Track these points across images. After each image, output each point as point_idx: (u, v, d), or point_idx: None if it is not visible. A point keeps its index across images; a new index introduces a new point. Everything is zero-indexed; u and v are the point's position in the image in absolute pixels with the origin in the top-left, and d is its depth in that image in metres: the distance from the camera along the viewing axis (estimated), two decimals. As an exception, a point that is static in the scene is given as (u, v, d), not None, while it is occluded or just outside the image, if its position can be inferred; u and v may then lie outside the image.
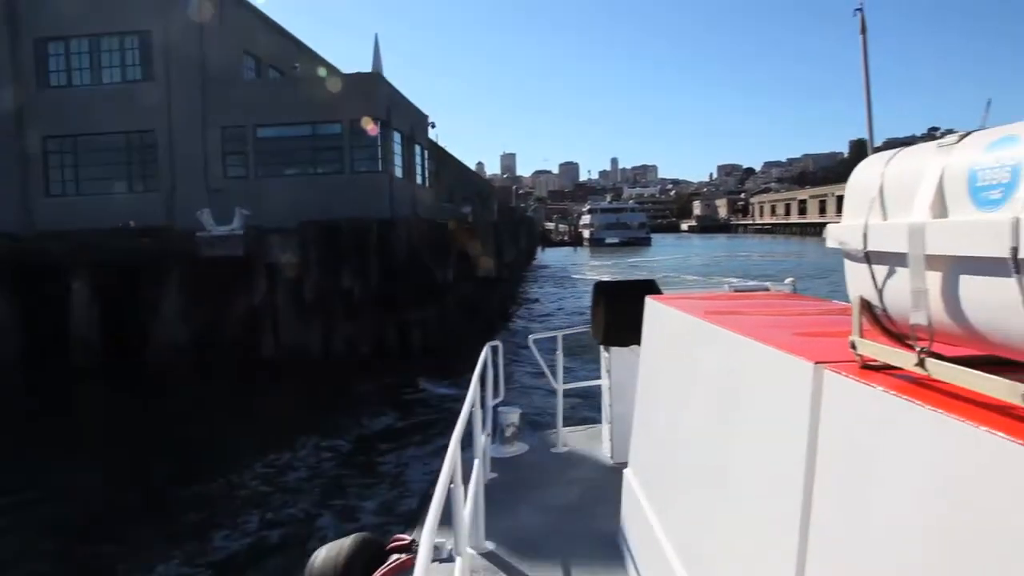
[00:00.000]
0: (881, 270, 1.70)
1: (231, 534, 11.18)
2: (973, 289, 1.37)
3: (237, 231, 22.41)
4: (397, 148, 29.25)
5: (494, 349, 6.55)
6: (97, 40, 28.02)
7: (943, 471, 1.33)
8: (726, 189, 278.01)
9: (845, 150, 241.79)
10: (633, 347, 5.03)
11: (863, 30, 2.70)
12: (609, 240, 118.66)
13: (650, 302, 4.20)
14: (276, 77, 32.96)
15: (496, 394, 6.72)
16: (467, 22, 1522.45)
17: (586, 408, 11.70)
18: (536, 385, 15.77)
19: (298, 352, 21.75)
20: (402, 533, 5.05)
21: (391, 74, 28.90)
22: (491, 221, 38.68)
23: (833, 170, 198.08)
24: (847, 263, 1.86)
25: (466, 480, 4.11)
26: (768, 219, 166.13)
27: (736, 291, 4.66)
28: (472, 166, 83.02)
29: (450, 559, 3.78)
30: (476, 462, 4.77)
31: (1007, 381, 1.26)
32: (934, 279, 1.47)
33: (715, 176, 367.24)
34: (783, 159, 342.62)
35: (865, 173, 1.82)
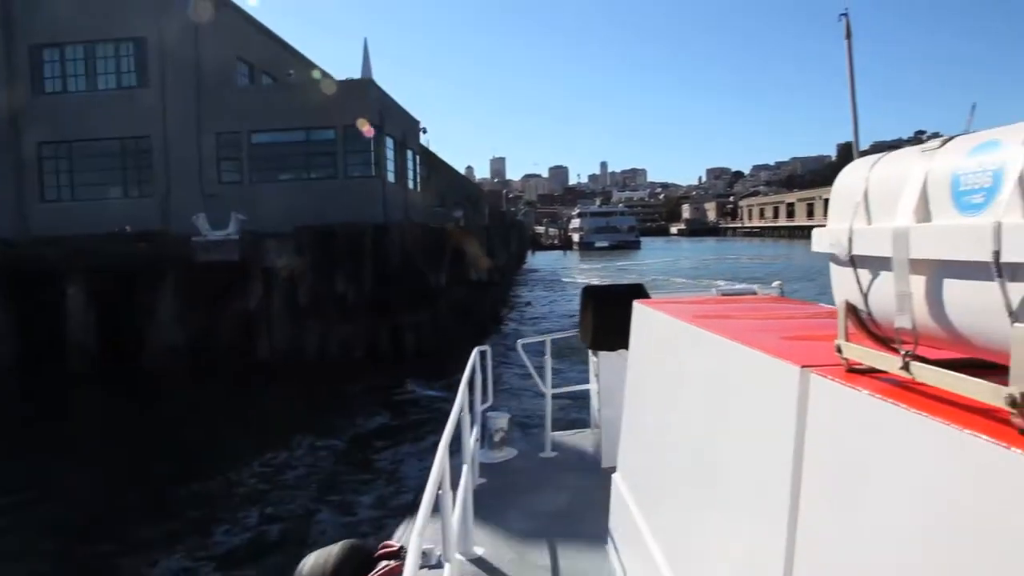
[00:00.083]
0: (866, 274, 1.71)
1: (231, 529, 11.44)
2: (957, 293, 1.39)
3: (233, 236, 22.58)
4: (390, 153, 29.56)
5: (482, 354, 6.53)
6: (92, 46, 28.18)
7: (928, 474, 1.34)
8: (715, 192, 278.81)
9: (833, 153, 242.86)
10: (621, 351, 5.04)
11: (848, 35, 2.72)
12: (599, 244, 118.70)
13: (638, 306, 4.19)
14: (269, 83, 33.16)
15: (485, 399, 6.72)
16: (456, 26, 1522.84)
17: (575, 410, 12.00)
18: (525, 387, 15.88)
19: (293, 355, 21.96)
20: (390, 539, 5.06)
21: (380, 77, 29.11)
22: (482, 225, 38.94)
23: (821, 173, 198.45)
24: (832, 267, 1.87)
25: (455, 485, 4.14)
26: (757, 222, 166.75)
27: (724, 295, 4.72)
28: (462, 170, 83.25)
29: (439, 565, 3.82)
30: (465, 467, 4.78)
31: (991, 384, 1.27)
32: (918, 283, 1.49)
33: (704, 179, 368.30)
34: (771, 162, 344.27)
35: (850, 177, 1.84)
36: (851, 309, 1.78)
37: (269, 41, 34.46)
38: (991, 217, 1.23)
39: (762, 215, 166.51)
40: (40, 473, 13.61)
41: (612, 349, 6.35)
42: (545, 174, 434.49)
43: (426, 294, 24.14)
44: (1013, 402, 1.20)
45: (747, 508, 2.19)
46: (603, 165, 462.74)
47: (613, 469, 4.46)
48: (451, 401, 4.55)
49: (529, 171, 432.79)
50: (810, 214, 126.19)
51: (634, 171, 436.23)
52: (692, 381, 3.00)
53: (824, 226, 1.90)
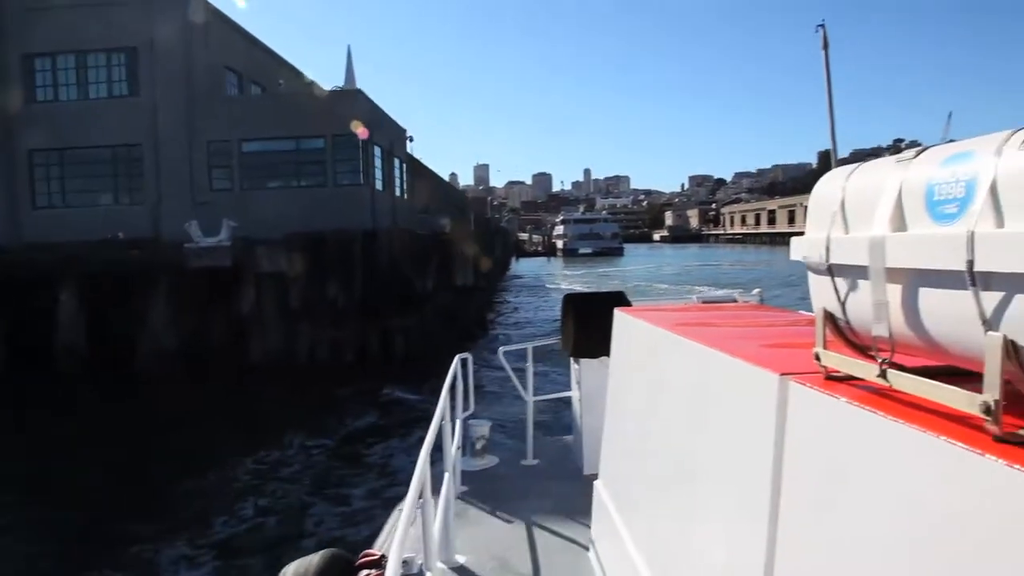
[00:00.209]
0: (843, 283, 1.72)
1: (228, 520, 11.90)
2: (932, 301, 1.40)
3: (224, 242, 22.93)
4: (377, 162, 30.09)
5: (463, 361, 6.47)
6: (84, 56, 28.49)
7: (905, 480, 1.36)
8: (697, 199, 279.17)
9: (814, 160, 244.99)
10: (603, 359, 5.01)
11: (825, 46, 2.80)
12: (582, 250, 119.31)
13: (619, 314, 4.20)
14: (258, 92, 33.63)
15: (466, 406, 6.67)
16: (439, 33, 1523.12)
17: (556, 416, 12.41)
18: (508, 392, 16.33)
19: (285, 358, 22.37)
20: (371, 548, 4.99)
21: (363, 83, 29.81)
22: (469, 232, 39.50)
23: (802, 180, 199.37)
24: (811, 275, 1.88)
25: (436, 493, 4.13)
26: (739, 229, 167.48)
27: (704, 302, 4.79)
28: (446, 177, 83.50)
29: (420, 574, 3.87)
30: (446, 475, 4.78)
31: (966, 392, 1.28)
32: (895, 291, 1.50)
33: (687, 187, 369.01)
34: (753, 170, 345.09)
35: (827, 187, 1.85)
36: (829, 317, 1.80)
37: (256, 50, 34.92)
38: (964, 227, 1.25)
39: (744, 222, 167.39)
40: (38, 472, 13.86)
41: (594, 356, 6.29)
42: (529, 181, 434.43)
43: (414, 299, 24.65)
44: (987, 409, 1.22)
45: (727, 514, 2.22)
46: (586, 172, 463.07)
47: (595, 476, 4.48)
48: (435, 403, 4.58)
49: (513, 178, 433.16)
50: (791, 221, 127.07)
51: (617, 178, 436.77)
52: (673, 389, 3.01)
53: (803, 234, 1.93)
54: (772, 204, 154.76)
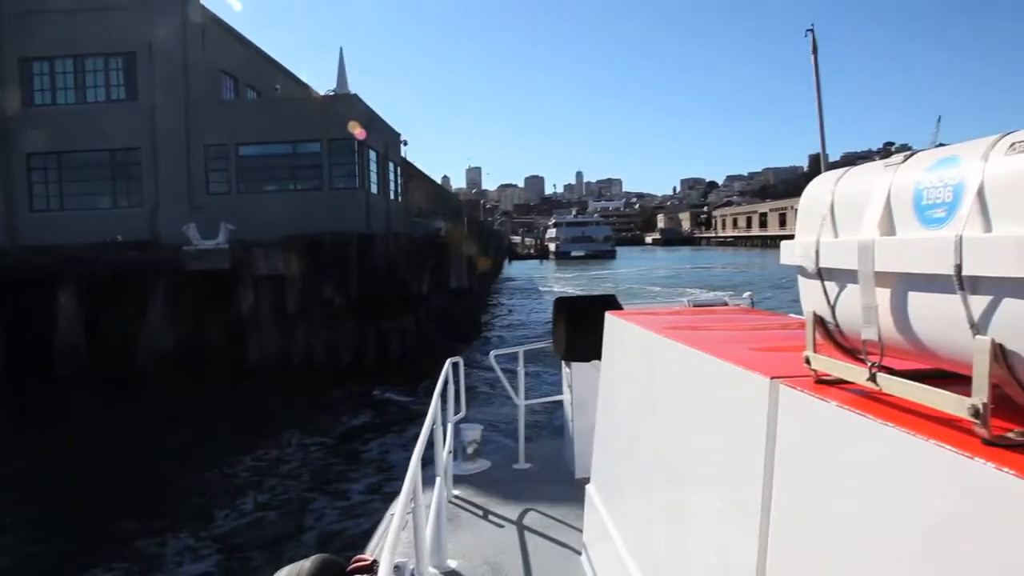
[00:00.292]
0: (833, 286, 1.72)
1: (230, 514, 12.16)
2: (921, 305, 1.41)
3: (222, 245, 23.10)
4: (373, 166, 30.43)
5: (455, 365, 6.41)
6: (82, 60, 28.69)
7: (895, 483, 1.36)
8: (689, 202, 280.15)
9: (805, 164, 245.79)
10: (594, 362, 4.97)
11: (814, 50, 2.84)
12: (575, 253, 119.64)
13: (610, 317, 4.19)
14: (253, 96, 33.93)
15: (458, 410, 6.64)
16: (430, 35, 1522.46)
17: (552, 416, 12.65)
18: (500, 394, 16.41)
19: (282, 360, 22.64)
20: (363, 553, 4.92)
21: (355, 87, 30.08)
22: (463, 234, 39.80)
23: (793, 183, 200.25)
24: (801, 279, 1.88)
25: (427, 498, 4.14)
26: (730, 232, 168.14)
27: (695, 305, 4.83)
28: (438, 179, 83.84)
29: None
30: (438, 480, 4.76)
31: (955, 395, 1.28)
32: (884, 295, 1.51)
33: (679, 190, 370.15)
34: (745, 173, 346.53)
35: (817, 191, 1.86)
36: (819, 321, 1.81)
37: (252, 54, 35.23)
38: (953, 231, 1.26)
39: (735, 225, 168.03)
40: (39, 472, 14.03)
41: (585, 360, 6.27)
42: (521, 184, 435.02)
43: (409, 301, 24.96)
44: (976, 413, 1.23)
45: (719, 518, 2.22)
46: (579, 175, 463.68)
47: (587, 480, 4.47)
48: (429, 404, 4.61)
49: (505, 181, 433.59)
50: (782, 224, 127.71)
51: (610, 181, 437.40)
52: (664, 392, 3.02)
53: (793, 238, 1.94)
54: (763, 207, 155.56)
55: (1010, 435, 1.23)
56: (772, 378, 1.87)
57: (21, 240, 27.01)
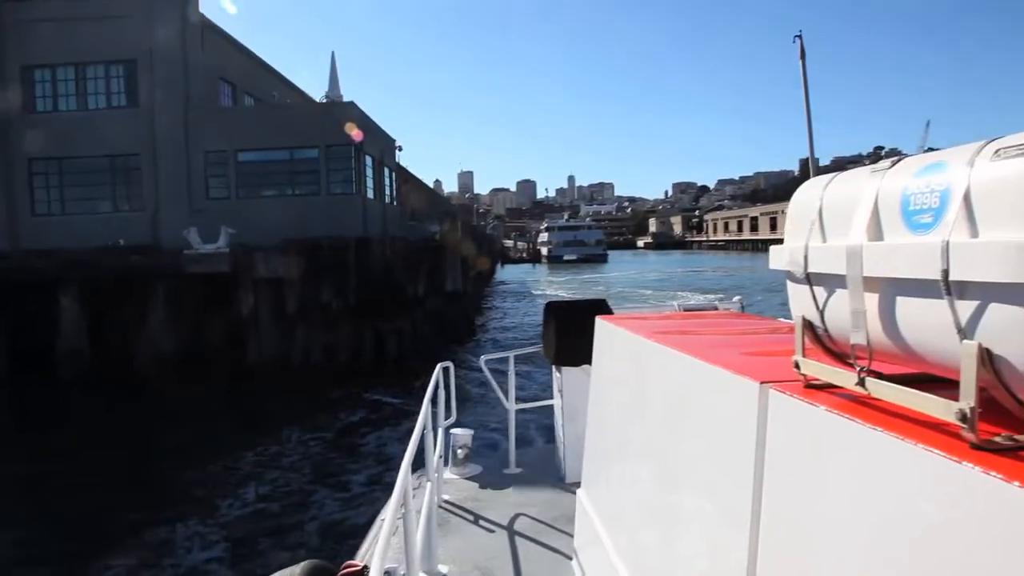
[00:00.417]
0: (822, 291, 1.72)
1: (234, 503, 12.64)
2: (908, 310, 1.41)
3: (223, 249, 23.51)
4: (369, 171, 30.94)
5: (445, 370, 6.38)
6: (83, 68, 29.10)
7: (884, 487, 1.36)
8: (681, 206, 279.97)
9: (796, 168, 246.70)
10: (585, 366, 4.95)
11: (803, 55, 2.90)
12: (567, 257, 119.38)
13: (600, 322, 4.17)
14: (252, 103, 34.43)
15: (448, 415, 6.61)
16: (421, 40, 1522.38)
17: (543, 418, 13.09)
18: (491, 398, 16.62)
19: (281, 361, 23.07)
20: (353, 559, 4.87)
21: (347, 92, 30.60)
22: (458, 238, 40.35)
23: (784, 187, 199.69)
24: (789, 284, 1.89)
25: (418, 503, 4.15)
26: (722, 235, 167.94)
27: (685, 310, 4.84)
28: (430, 184, 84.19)
29: None
30: (428, 485, 4.74)
31: (943, 400, 1.29)
32: (872, 300, 1.50)
33: (670, 194, 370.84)
34: (736, 177, 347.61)
35: (805, 196, 1.86)
36: (808, 325, 1.81)
37: (250, 62, 35.70)
38: (939, 236, 1.26)
39: (727, 229, 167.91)
40: (40, 472, 14.31)
41: (575, 364, 6.28)
42: (513, 188, 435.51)
43: (406, 304, 25.45)
44: (963, 417, 1.23)
45: (709, 522, 2.21)
46: (571, 179, 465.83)
47: (577, 484, 4.45)
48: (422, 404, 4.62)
49: (497, 185, 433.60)
50: (773, 228, 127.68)
51: (601, 185, 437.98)
52: (654, 397, 3.01)
53: (783, 242, 1.93)
54: (754, 211, 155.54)
55: (997, 439, 1.24)
56: (762, 383, 1.88)
57: (23, 244, 27.35)
